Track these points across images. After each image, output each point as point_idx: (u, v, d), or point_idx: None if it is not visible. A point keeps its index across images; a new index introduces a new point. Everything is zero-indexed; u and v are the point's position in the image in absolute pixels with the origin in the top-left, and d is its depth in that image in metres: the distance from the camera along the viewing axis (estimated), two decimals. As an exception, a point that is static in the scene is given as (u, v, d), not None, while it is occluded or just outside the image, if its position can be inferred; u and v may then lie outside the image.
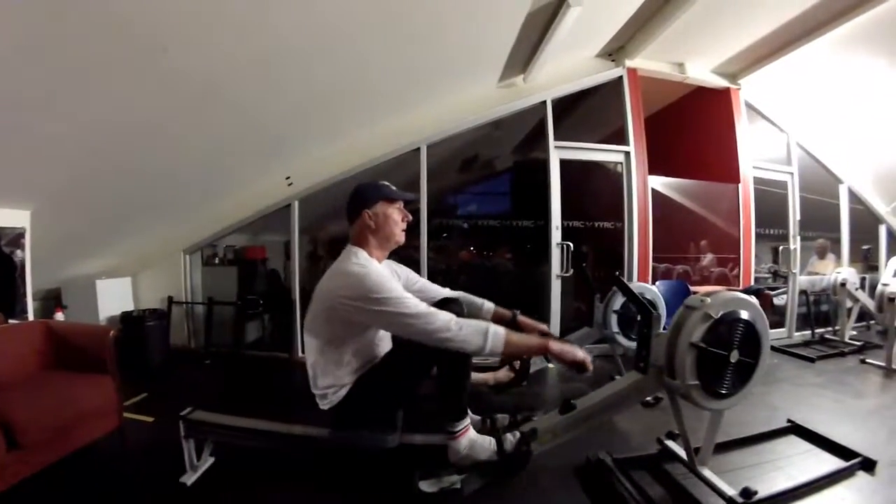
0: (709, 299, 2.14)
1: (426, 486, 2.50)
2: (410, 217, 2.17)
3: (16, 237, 3.69)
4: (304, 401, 2.18)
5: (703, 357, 2.08)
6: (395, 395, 2.08)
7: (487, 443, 2.10)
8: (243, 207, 5.29)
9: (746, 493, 2.17)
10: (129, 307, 5.10)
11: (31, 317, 3.93)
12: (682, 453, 2.50)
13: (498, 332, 1.82)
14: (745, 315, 2.16)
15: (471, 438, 2.08)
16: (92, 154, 3.34)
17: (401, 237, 2.12)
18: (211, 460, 2.59)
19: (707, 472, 2.36)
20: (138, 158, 3.68)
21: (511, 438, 2.12)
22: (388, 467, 2.43)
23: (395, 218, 2.07)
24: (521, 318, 2.46)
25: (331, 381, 2.01)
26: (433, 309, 1.83)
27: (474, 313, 2.39)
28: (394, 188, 2.13)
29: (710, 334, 2.09)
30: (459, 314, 1.88)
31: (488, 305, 2.48)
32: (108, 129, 3.17)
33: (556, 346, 1.92)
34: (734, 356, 2.13)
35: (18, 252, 3.75)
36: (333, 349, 1.98)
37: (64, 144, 3.09)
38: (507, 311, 2.49)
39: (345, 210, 2.19)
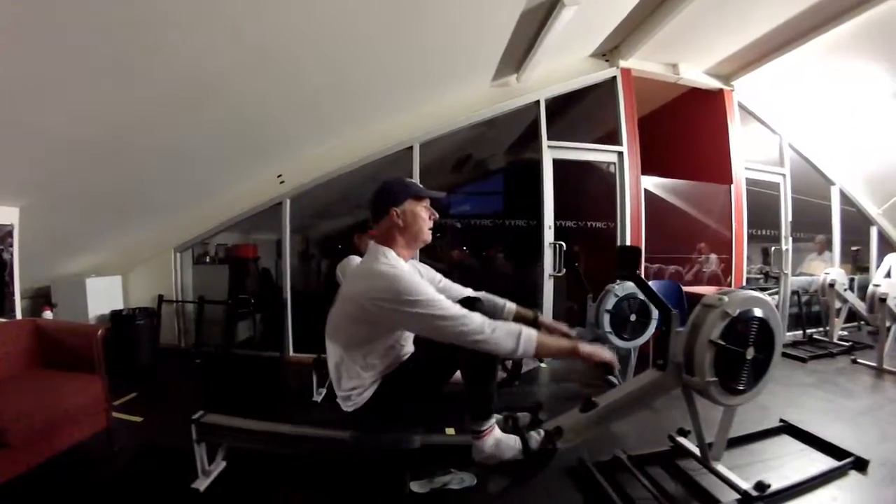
0: (726, 298, 2.22)
1: (417, 487, 2.49)
2: (437, 215, 2.11)
3: (4, 234, 3.64)
4: (297, 400, 2.13)
5: (720, 354, 2.16)
6: (422, 396, 2.04)
7: (513, 441, 2.05)
8: (235, 205, 5.25)
9: (760, 487, 2.28)
10: (119, 306, 5.06)
11: (18, 315, 3.89)
12: (695, 449, 2.63)
13: (531, 335, 1.79)
14: (759, 313, 2.25)
15: (496, 438, 2.02)
16: (82, 150, 3.30)
17: (428, 236, 2.04)
18: (223, 465, 2.51)
19: (720, 467, 2.47)
20: (129, 155, 3.65)
21: (536, 437, 2.08)
22: (379, 469, 2.40)
23: (423, 216, 2.00)
24: (542, 319, 2.41)
25: (355, 382, 1.94)
26: (466, 311, 1.77)
27: (495, 314, 2.33)
28: (421, 186, 2.08)
29: (727, 332, 2.17)
30: (484, 314, 1.85)
31: (510, 306, 2.40)
32: (99, 125, 3.13)
33: (585, 348, 1.90)
34: (750, 353, 2.22)
35: (7, 250, 3.71)
36: (357, 351, 1.92)
37: (54, 140, 3.06)
38: (529, 311, 2.44)
39: (369, 207, 2.08)
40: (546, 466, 2.10)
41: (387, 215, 1.97)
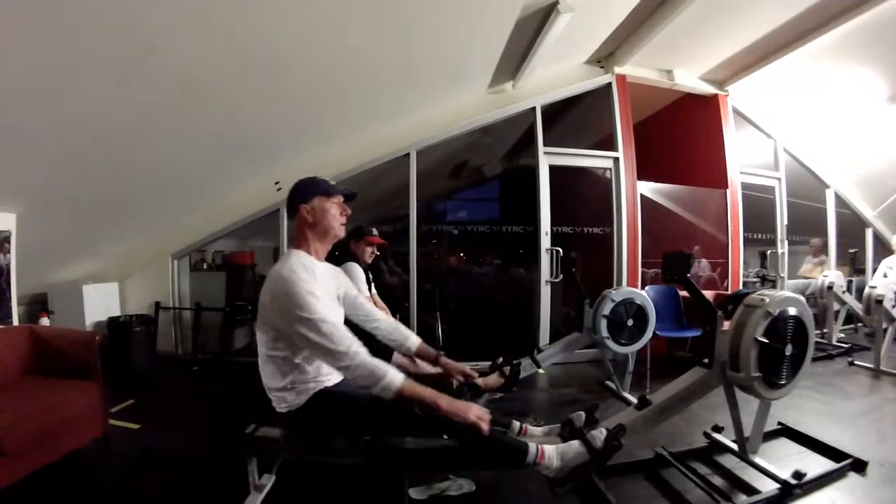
0: (767, 298, 2.38)
1: (416, 494, 2.48)
2: (349, 211, 2.12)
3: (1, 241, 3.62)
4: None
5: (763, 351, 2.32)
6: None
7: (575, 446, 2.03)
8: (232, 212, 5.25)
9: (798, 475, 2.40)
10: (116, 312, 5.03)
11: (15, 322, 3.86)
12: (731, 444, 2.77)
13: (393, 382, 1.71)
14: (794, 312, 2.41)
15: (553, 452, 1.99)
16: (79, 157, 3.31)
17: (340, 231, 2.07)
18: (272, 479, 2.31)
19: (758, 459, 2.59)
20: (126, 162, 3.64)
21: (598, 435, 2.05)
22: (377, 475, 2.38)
23: (333, 212, 2.03)
24: (444, 360, 2.33)
25: (282, 383, 1.91)
26: (342, 336, 1.75)
27: (398, 344, 2.33)
28: (332, 183, 2.11)
29: (769, 330, 2.33)
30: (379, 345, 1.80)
31: (414, 340, 2.35)
32: (96, 131, 3.14)
33: (446, 404, 1.76)
34: (788, 349, 2.39)
35: (4, 256, 3.69)
36: (282, 349, 1.88)
37: (51, 147, 3.05)
38: (433, 350, 2.40)
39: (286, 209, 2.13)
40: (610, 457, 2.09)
41: (297, 213, 2.02)
